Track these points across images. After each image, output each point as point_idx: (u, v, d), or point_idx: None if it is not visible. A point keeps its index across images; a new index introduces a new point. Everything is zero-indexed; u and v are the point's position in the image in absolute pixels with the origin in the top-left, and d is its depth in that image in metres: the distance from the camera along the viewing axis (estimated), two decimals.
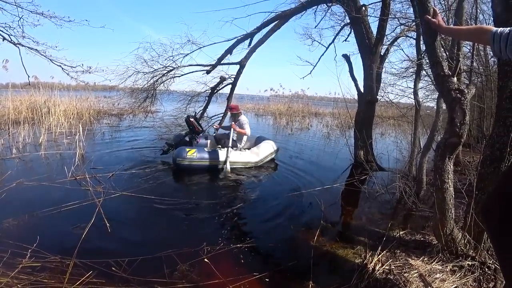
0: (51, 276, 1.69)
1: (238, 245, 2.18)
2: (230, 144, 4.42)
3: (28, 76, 4.68)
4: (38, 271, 1.72)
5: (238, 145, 4.82)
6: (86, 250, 1.94)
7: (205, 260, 1.90)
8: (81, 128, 4.73)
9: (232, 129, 4.51)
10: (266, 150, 4.83)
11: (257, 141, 5.19)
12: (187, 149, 4.20)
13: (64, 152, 4.60)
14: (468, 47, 5.25)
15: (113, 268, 1.79)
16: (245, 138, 4.88)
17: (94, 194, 2.62)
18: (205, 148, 4.42)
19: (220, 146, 4.62)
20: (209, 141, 4.84)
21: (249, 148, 4.91)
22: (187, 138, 4.87)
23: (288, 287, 1.76)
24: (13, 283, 1.60)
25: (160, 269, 1.82)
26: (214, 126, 5.14)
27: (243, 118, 4.83)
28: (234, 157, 4.41)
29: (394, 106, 5.20)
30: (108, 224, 2.29)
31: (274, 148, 5.02)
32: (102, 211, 2.39)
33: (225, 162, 4.22)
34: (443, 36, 2.15)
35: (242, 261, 2.00)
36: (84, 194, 2.84)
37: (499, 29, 1.15)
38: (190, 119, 4.79)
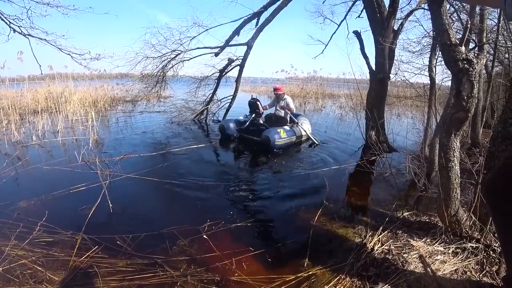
0: (61, 250, 1.82)
1: (239, 224, 2.23)
2: (297, 121, 5.10)
3: (40, 66, 4.88)
4: (50, 245, 1.86)
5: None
6: (93, 227, 2.06)
7: (204, 236, 1.96)
8: (93, 115, 4.90)
9: (285, 109, 5.13)
10: (308, 123, 5.40)
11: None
12: (278, 130, 4.52)
13: (79, 138, 4.81)
14: (495, 21, 4.80)
15: (117, 243, 1.90)
16: (289, 114, 5.27)
17: (102, 177, 2.74)
18: (286, 127, 4.80)
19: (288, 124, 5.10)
20: (261, 120, 5.28)
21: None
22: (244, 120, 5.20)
23: (284, 263, 1.79)
24: (28, 255, 1.75)
25: (161, 244, 1.91)
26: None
27: (288, 97, 5.25)
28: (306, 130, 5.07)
29: (411, 85, 4.92)
30: (111, 205, 2.40)
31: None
32: (108, 192, 2.50)
33: (308, 137, 4.99)
34: (451, 2, 1.97)
35: (241, 238, 2.05)
36: (93, 177, 2.97)
37: None
38: (257, 102, 5.03)
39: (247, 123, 5.04)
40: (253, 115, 5.05)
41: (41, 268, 1.61)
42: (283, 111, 5.20)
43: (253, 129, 4.98)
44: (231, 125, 5.08)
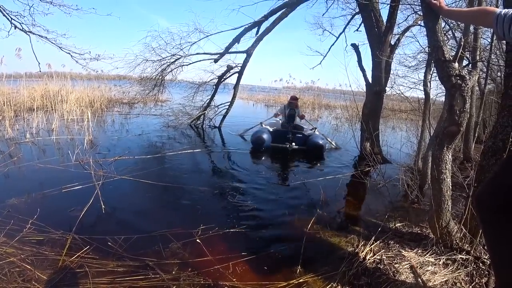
0: (51, 249, 1.79)
1: (232, 229, 2.22)
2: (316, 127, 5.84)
3: (39, 63, 4.88)
4: (40, 244, 1.82)
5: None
6: (84, 227, 2.04)
7: (197, 240, 1.95)
8: (89, 115, 4.88)
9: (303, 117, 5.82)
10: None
11: None
12: (320, 135, 5.20)
13: (74, 137, 4.77)
14: (488, 40, 4.97)
15: (109, 244, 1.87)
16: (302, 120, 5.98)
17: (95, 178, 2.72)
18: (317, 132, 5.44)
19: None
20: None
21: None
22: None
23: (276, 270, 1.78)
24: (17, 253, 1.71)
25: (153, 246, 1.88)
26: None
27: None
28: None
29: (406, 99, 5.04)
30: (103, 206, 2.37)
31: None
32: (101, 193, 2.48)
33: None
34: (445, 19, 2.05)
35: (234, 243, 2.04)
36: (86, 177, 2.94)
37: (503, 11, 1.09)
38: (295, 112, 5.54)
39: (290, 134, 5.05)
40: (292, 125, 5.44)
41: (30, 267, 1.58)
42: (300, 119, 5.68)
43: (289, 137, 5.05)
44: (266, 137, 4.95)
